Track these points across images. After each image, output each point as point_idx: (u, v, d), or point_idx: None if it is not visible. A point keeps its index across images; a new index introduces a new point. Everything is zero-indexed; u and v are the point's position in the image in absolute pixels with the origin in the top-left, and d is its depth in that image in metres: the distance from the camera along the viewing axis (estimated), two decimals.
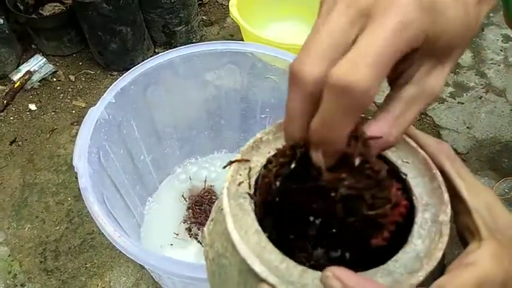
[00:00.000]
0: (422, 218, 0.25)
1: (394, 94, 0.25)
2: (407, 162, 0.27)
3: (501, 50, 1.49)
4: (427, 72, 0.24)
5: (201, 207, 0.98)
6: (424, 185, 0.26)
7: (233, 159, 0.28)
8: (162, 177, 1.04)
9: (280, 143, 0.29)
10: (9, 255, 0.97)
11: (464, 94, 1.33)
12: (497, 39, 1.54)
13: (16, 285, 0.93)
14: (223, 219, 0.26)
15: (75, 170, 0.65)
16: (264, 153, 0.29)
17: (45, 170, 1.13)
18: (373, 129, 0.25)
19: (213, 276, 0.29)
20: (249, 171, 0.28)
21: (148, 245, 0.93)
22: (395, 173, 0.28)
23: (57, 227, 1.02)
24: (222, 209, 0.26)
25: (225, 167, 0.28)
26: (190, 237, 0.94)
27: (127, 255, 0.56)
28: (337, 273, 0.20)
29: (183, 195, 1.01)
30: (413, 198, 0.26)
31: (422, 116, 1.27)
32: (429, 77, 0.24)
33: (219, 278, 0.28)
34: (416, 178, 0.27)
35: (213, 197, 0.99)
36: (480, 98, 1.32)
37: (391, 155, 0.28)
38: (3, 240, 1.00)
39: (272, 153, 0.29)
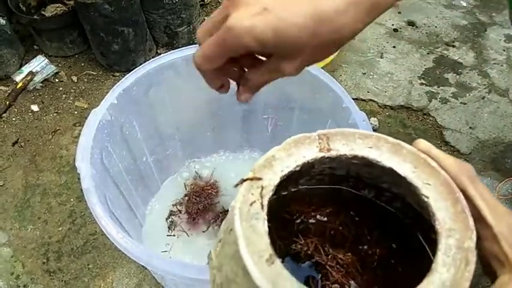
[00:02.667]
0: (446, 244, 0.24)
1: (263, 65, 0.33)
2: (428, 184, 0.26)
3: (504, 50, 1.48)
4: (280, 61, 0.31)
5: (198, 198, 0.98)
6: (447, 208, 0.25)
7: (245, 177, 0.27)
8: (164, 178, 1.04)
9: (294, 160, 0.28)
10: (12, 256, 0.98)
11: (467, 94, 1.33)
12: (500, 39, 1.53)
13: (19, 286, 0.93)
14: (234, 241, 0.24)
15: (78, 171, 0.65)
16: (277, 172, 0.27)
17: (48, 171, 1.13)
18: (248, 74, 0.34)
19: None
20: (262, 190, 0.26)
21: (150, 246, 0.93)
22: (415, 196, 0.27)
23: (60, 228, 1.02)
24: (231, 230, 0.25)
25: (236, 186, 0.27)
26: (169, 230, 0.94)
27: (129, 256, 0.56)
28: None
29: (184, 184, 1.01)
30: (436, 223, 0.25)
31: (425, 116, 1.27)
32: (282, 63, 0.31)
33: None
34: (439, 201, 0.26)
35: (213, 193, 0.99)
36: (483, 98, 1.32)
37: (412, 176, 0.27)
38: (6, 241, 1.00)
39: (285, 171, 0.27)
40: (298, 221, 0.32)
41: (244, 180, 0.27)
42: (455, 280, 0.22)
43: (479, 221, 0.25)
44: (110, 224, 0.58)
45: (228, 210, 0.95)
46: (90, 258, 0.97)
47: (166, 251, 0.92)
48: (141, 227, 0.95)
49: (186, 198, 0.99)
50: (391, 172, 0.28)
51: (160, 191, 1.03)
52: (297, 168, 0.28)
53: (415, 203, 0.27)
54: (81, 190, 0.63)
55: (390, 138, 0.28)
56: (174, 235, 0.94)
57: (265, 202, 0.26)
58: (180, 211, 0.98)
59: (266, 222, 0.25)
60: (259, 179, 0.27)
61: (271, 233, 0.26)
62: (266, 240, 0.24)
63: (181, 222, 0.96)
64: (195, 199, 0.98)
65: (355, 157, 0.28)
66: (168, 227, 0.95)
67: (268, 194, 0.27)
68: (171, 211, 0.97)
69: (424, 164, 0.27)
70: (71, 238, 1.00)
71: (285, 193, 0.32)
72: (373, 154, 0.28)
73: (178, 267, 0.54)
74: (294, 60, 0.30)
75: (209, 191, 0.99)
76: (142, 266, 0.91)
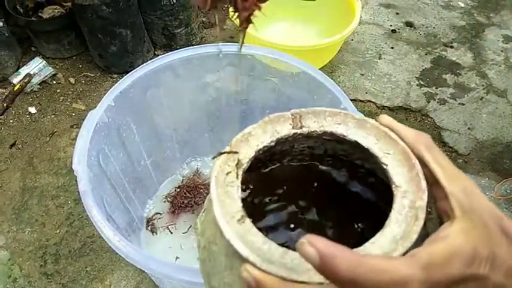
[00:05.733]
0: (400, 204, 0.26)
1: None
2: (388, 153, 0.29)
3: (502, 51, 1.49)
4: None
5: (187, 192, 0.97)
6: (403, 174, 0.27)
7: (222, 151, 0.29)
8: (162, 180, 1.03)
9: (269, 136, 0.30)
10: (9, 259, 0.97)
11: (465, 95, 1.33)
12: (498, 40, 1.53)
13: None
14: (212, 207, 0.27)
15: (75, 174, 0.65)
16: (252, 146, 0.30)
17: (45, 173, 1.13)
18: None
19: (203, 263, 0.30)
20: (237, 162, 0.29)
21: (148, 249, 0.93)
22: (378, 167, 0.29)
23: (57, 231, 1.01)
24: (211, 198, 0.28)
25: (214, 158, 0.29)
26: (153, 233, 0.95)
27: (126, 259, 0.56)
28: (312, 240, 0.21)
29: (182, 177, 1.02)
30: (393, 186, 0.27)
31: (423, 117, 1.27)
32: None
33: (209, 264, 0.29)
34: (397, 168, 0.28)
35: (205, 192, 0.99)
36: (481, 99, 1.32)
37: (374, 147, 0.29)
38: (3, 244, 1.00)
39: (260, 146, 0.30)
40: (280, 190, 0.36)
41: (221, 154, 0.29)
42: (405, 233, 0.25)
43: (435, 184, 0.26)
44: (107, 227, 0.58)
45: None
46: (87, 260, 0.96)
47: (164, 253, 0.92)
48: (139, 230, 0.95)
49: (178, 190, 1.00)
50: (357, 145, 0.30)
51: (158, 193, 1.02)
52: (272, 144, 0.30)
53: (382, 175, 0.29)
54: (79, 192, 0.62)
55: (356, 115, 0.31)
56: (155, 233, 0.95)
57: (240, 172, 0.29)
58: (159, 213, 0.98)
59: (240, 189, 0.28)
60: (236, 152, 0.29)
61: (253, 201, 0.30)
62: (239, 204, 0.27)
63: (161, 218, 0.97)
64: (185, 191, 0.98)
65: (325, 133, 0.31)
66: (151, 231, 0.95)
67: (243, 165, 0.29)
68: (147, 219, 0.97)
69: (385, 136, 0.30)
70: (68, 241, 1.00)
71: (267, 169, 0.35)
72: (340, 129, 0.31)
73: (175, 270, 0.54)
74: None
75: (201, 190, 0.99)
76: (140, 269, 0.91)
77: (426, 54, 1.47)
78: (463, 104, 1.30)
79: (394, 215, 0.26)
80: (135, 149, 0.89)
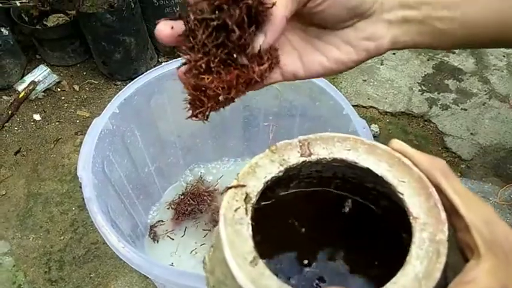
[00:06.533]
0: (420, 238, 0.25)
1: None
2: (403, 181, 0.28)
3: (504, 56, 1.49)
4: None
5: (191, 199, 0.97)
6: (421, 204, 0.26)
7: (229, 185, 0.28)
8: (166, 186, 1.04)
9: (277, 167, 0.29)
10: (13, 266, 0.97)
11: (468, 100, 1.33)
12: None
13: None
14: (222, 246, 0.26)
15: (80, 180, 0.65)
16: (260, 178, 0.29)
17: (50, 179, 1.13)
18: None
19: None
20: (246, 196, 0.28)
21: (153, 255, 0.93)
22: (392, 193, 0.28)
23: (62, 237, 1.02)
24: (219, 236, 0.26)
25: (222, 194, 0.28)
26: (154, 241, 0.95)
27: (131, 265, 0.56)
28: None
29: (186, 184, 1.02)
30: (411, 218, 0.26)
31: (425, 122, 1.27)
32: None
33: None
34: (413, 197, 0.27)
35: (208, 199, 0.99)
36: (484, 104, 1.32)
37: (387, 174, 0.28)
38: (8, 250, 1.00)
39: (268, 177, 0.29)
40: (289, 221, 0.34)
41: (228, 188, 0.28)
42: (427, 271, 0.24)
43: (454, 213, 0.25)
44: (111, 233, 0.58)
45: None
46: (92, 267, 0.97)
47: (168, 259, 0.92)
48: (142, 236, 0.95)
49: (182, 197, 0.99)
50: (369, 172, 0.29)
51: (162, 200, 1.03)
52: (280, 174, 0.29)
53: (396, 198, 0.28)
54: (83, 199, 0.63)
55: (366, 140, 0.30)
56: (156, 242, 0.95)
57: (250, 207, 0.27)
58: (163, 220, 0.98)
59: (250, 226, 0.27)
60: (243, 186, 0.28)
61: (263, 235, 0.27)
62: (250, 243, 0.26)
63: (164, 225, 0.97)
64: (189, 198, 0.98)
65: (334, 160, 0.30)
66: (153, 239, 0.95)
67: (252, 199, 0.28)
68: (151, 226, 0.97)
69: (398, 162, 0.28)
70: (72, 247, 1.00)
71: (275, 198, 0.33)
72: (351, 156, 0.30)
73: (179, 276, 0.54)
74: None
75: (205, 197, 0.99)
76: (145, 275, 0.91)
77: (428, 60, 1.47)
78: (466, 109, 1.30)
79: (414, 250, 0.25)
80: (139, 155, 0.89)
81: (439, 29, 0.34)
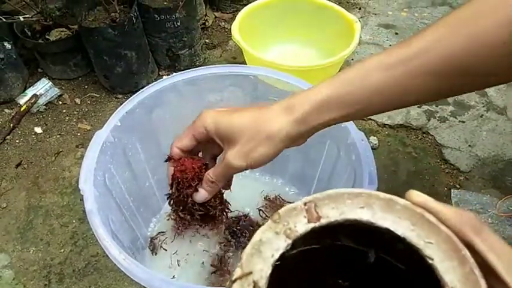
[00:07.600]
0: None
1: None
2: (430, 242, 0.24)
3: None
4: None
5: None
6: (455, 270, 0.23)
7: (233, 278, 0.25)
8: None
9: (283, 240, 0.26)
10: (13, 279, 0.97)
11: (465, 113, 1.34)
12: None
13: None
14: None
15: (81, 193, 0.66)
16: (267, 258, 0.25)
17: (50, 192, 1.14)
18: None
19: None
20: (254, 286, 0.24)
21: (152, 267, 0.93)
22: (418, 255, 0.25)
23: (62, 250, 1.02)
24: None
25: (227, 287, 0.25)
26: (153, 253, 0.94)
27: (132, 278, 0.56)
28: None
29: None
30: None
31: (424, 135, 1.28)
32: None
33: None
34: (445, 262, 0.23)
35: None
36: (481, 116, 1.33)
37: (411, 234, 0.25)
38: (8, 263, 1.00)
39: (276, 256, 0.25)
40: (310, 277, 0.32)
41: (233, 282, 0.24)
42: None
43: (491, 274, 0.23)
44: (113, 246, 0.59)
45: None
46: (92, 280, 0.97)
47: (169, 271, 0.92)
48: (143, 249, 0.95)
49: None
50: (389, 232, 0.26)
51: (162, 212, 1.03)
52: (288, 247, 0.26)
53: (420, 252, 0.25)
54: (83, 211, 0.63)
55: (382, 194, 0.27)
56: (154, 254, 0.94)
57: None
58: (162, 232, 0.97)
59: None
60: (249, 273, 0.25)
61: None
62: None
63: (163, 236, 0.96)
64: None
65: (347, 221, 0.26)
66: (152, 251, 0.95)
67: (262, 287, 0.24)
68: (151, 238, 0.97)
69: (422, 219, 0.25)
70: (73, 260, 1.00)
71: (285, 260, 0.30)
72: (365, 215, 0.26)
73: None
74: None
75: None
76: None
77: None
78: (464, 122, 1.31)
79: None
80: (140, 168, 0.90)
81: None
